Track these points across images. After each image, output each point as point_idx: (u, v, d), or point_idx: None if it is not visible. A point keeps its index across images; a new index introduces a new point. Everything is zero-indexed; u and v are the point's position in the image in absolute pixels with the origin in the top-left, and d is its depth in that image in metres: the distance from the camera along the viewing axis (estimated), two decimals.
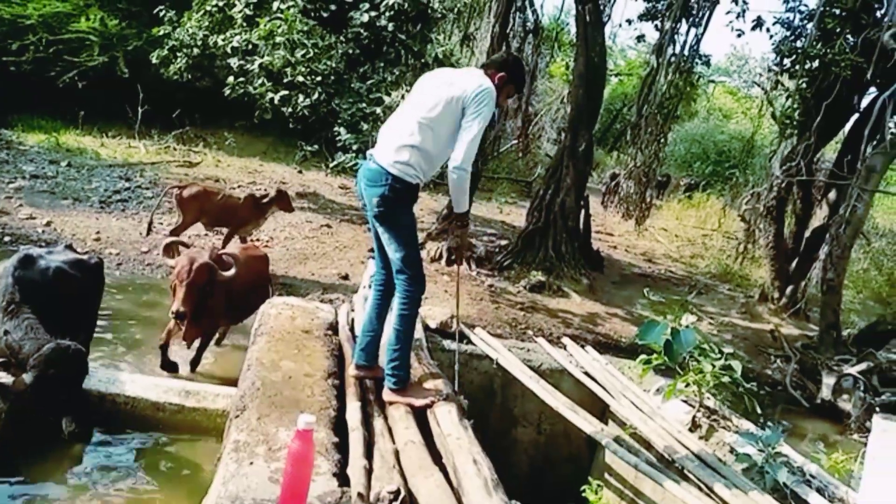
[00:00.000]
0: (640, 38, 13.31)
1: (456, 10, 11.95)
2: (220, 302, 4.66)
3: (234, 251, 5.21)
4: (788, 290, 10.21)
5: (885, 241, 13.68)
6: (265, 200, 7.73)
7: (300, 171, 12.79)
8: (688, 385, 3.83)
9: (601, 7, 10.52)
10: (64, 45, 12.35)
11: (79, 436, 3.48)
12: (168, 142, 12.58)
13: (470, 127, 3.21)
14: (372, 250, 7.88)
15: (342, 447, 2.94)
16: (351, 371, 3.54)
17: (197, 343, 4.90)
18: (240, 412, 3.10)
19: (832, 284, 8.20)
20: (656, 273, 11.27)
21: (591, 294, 9.20)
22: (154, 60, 10.98)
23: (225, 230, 7.81)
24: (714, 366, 3.70)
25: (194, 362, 4.92)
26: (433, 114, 3.27)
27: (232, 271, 4.53)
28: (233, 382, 3.94)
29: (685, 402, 3.98)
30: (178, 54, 10.81)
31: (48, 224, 7.81)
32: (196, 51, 10.55)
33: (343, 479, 2.67)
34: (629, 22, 12.13)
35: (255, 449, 2.77)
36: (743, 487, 3.18)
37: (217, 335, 5.53)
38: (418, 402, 3.29)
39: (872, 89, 9.47)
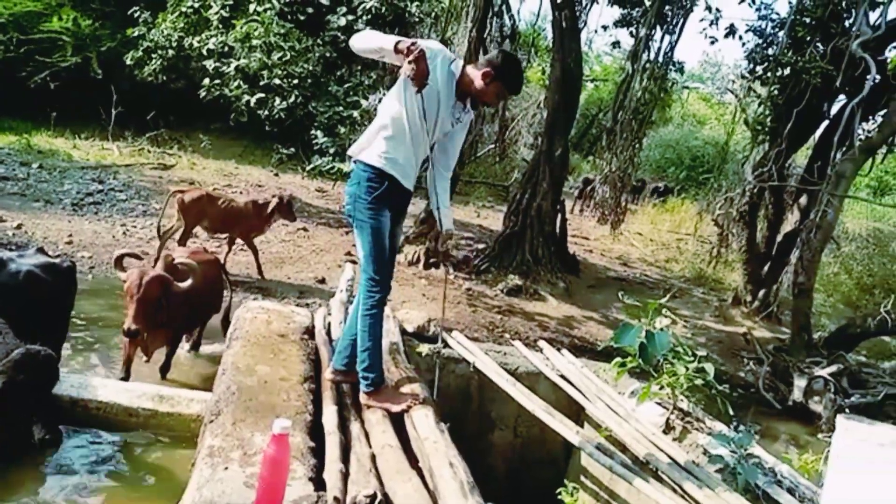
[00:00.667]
0: (616, 44, 13.47)
1: (433, 14, 11.98)
2: (178, 313, 4.50)
3: (185, 258, 4.97)
4: (761, 293, 10.36)
5: (855, 246, 13.94)
6: (268, 208, 7.66)
7: (276, 175, 12.71)
8: (662, 387, 3.86)
9: (577, 13, 10.61)
10: (36, 45, 12.18)
11: (49, 442, 3.43)
12: (142, 144, 12.45)
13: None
14: (349, 254, 7.89)
15: (318, 451, 2.93)
16: (327, 374, 3.53)
17: (164, 351, 4.79)
18: (215, 417, 3.08)
19: (803, 288, 8.34)
20: (632, 277, 11.37)
21: (567, 298, 9.26)
22: (128, 62, 10.85)
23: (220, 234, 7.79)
24: (688, 368, 3.74)
25: (164, 369, 4.81)
26: None
27: (188, 282, 4.36)
28: (207, 387, 3.92)
29: (659, 404, 4.02)
30: (153, 56, 10.70)
31: (19, 227, 7.68)
32: (171, 52, 10.46)
33: (319, 483, 2.66)
34: (605, 28, 12.29)
35: (230, 454, 2.75)
36: (715, 488, 3.23)
37: (192, 339, 5.48)
38: (395, 408, 3.28)
39: (842, 96, 9.66)
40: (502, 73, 3.31)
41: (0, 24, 11.86)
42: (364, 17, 8.40)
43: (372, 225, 3.31)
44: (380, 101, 8.63)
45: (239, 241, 7.83)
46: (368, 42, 3.15)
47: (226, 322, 5.55)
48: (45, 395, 3.50)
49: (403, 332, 4.64)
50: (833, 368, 7.20)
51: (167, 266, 4.52)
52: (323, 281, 7.86)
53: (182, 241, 7.46)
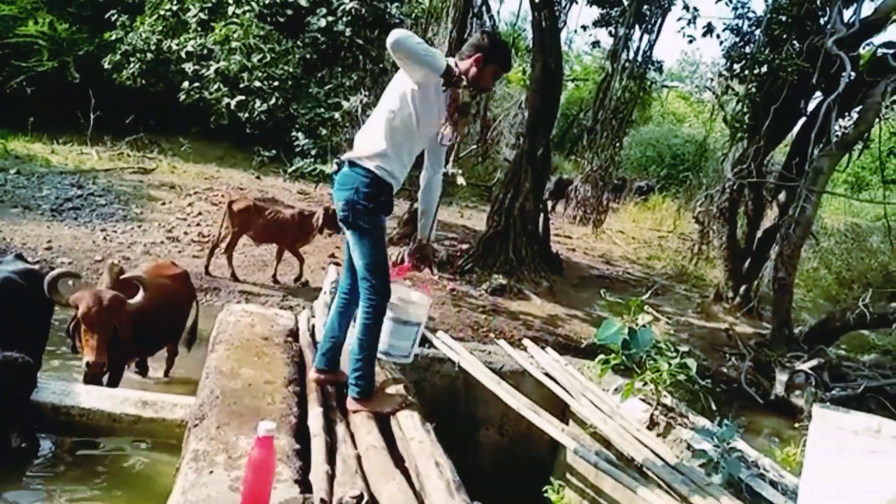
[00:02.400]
0: (596, 43, 13.57)
1: (413, 15, 11.99)
2: (127, 334, 4.07)
3: (143, 271, 4.61)
4: (742, 289, 10.47)
5: (834, 241, 14.11)
6: (315, 220, 7.64)
7: (258, 177, 12.65)
8: (645, 384, 3.90)
9: (557, 13, 10.66)
10: (11, 49, 12.02)
11: (27, 450, 3.39)
12: (121, 148, 12.33)
13: None
14: (332, 256, 7.87)
15: (304, 454, 2.92)
16: (311, 375, 3.52)
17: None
18: (199, 421, 3.06)
19: (783, 283, 8.44)
20: (614, 275, 11.44)
21: (551, 296, 9.30)
22: (106, 65, 10.75)
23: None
24: (670, 364, 3.77)
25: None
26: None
27: (139, 297, 3.99)
28: (191, 392, 3.90)
29: (643, 400, 4.06)
30: (131, 59, 10.60)
31: None
32: (150, 56, 10.36)
33: (305, 485, 2.66)
34: (584, 28, 12.34)
35: (215, 458, 2.74)
36: (699, 483, 3.26)
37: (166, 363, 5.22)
38: (385, 411, 3.28)
39: (818, 93, 9.78)
40: (492, 53, 3.29)
41: None
42: (344, 19, 8.37)
43: (373, 233, 3.27)
44: (361, 102, 8.65)
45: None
46: (417, 49, 2.99)
47: (190, 336, 5.29)
48: (23, 401, 3.47)
49: None
50: (814, 362, 7.30)
51: (115, 282, 4.13)
52: (306, 283, 7.84)
53: (227, 250, 7.60)
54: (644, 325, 3.66)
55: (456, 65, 3.24)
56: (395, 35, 2.97)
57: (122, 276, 4.16)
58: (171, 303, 4.69)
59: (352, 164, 3.26)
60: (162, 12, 9.77)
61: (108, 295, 3.85)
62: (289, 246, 7.81)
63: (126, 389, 4.16)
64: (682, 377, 3.79)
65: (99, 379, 3.98)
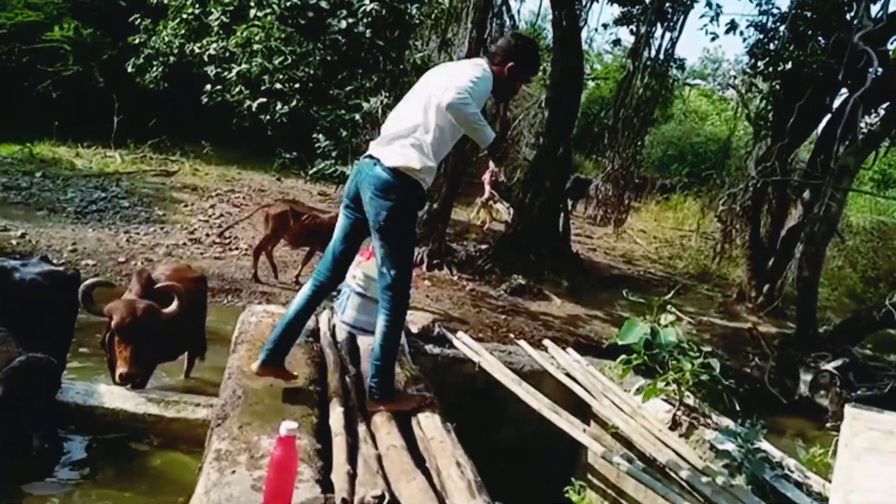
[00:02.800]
0: (616, 42, 13.49)
1: (433, 16, 11.99)
2: (161, 343, 4.06)
3: (164, 275, 4.47)
4: (765, 288, 10.34)
5: (859, 239, 13.90)
6: None
7: (279, 179, 12.73)
8: (667, 384, 3.86)
9: (577, 12, 10.61)
10: (37, 54, 12.22)
11: (50, 449, 3.44)
12: (144, 151, 12.48)
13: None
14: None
15: (325, 453, 2.93)
16: (254, 367, 3.36)
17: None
18: (221, 421, 3.08)
19: (808, 282, 8.32)
20: (636, 274, 11.36)
21: (571, 296, 9.26)
22: (130, 69, 10.89)
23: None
24: (693, 364, 3.73)
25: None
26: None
27: (174, 307, 3.94)
28: (213, 392, 3.93)
29: (665, 400, 4.02)
30: (154, 63, 10.73)
31: (23, 236, 7.71)
32: (172, 59, 10.48)
33: (326, 485, 2.67)
34: (605, 27, 12.33)
35: (237, 457, 2.76)
36: (723, 484, 3.22)
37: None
38: (404, 409, 3.28)
39: (844, 90, 9.64)
40: (525, 61, 3.28)
41: (2, 35, 11.89)
42: (364, 21, 8.40)
43: (412, 240, 3.32)
44: (382, 103, 8.67)
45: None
46: (472, 119, 3.00)
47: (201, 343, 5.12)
48: (47, 402, 3.51)
49: (408, 332, 4.65)
50: (839, 362, 7.18)
51: (144, 288, 4.07)
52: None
53: (258, 251, 7.71)
54: (667, 325, 3.63)
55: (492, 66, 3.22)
56: (462, 104, 2.95)
57: (156, 286, 4.10)
58: (193, 307, 4.63)
59: (403, 172, 3.12)
60: (184, 16, 9.89)
61: (143, 305, 3.82)
62: (322, 249, 7.78)
63: (148, 390, 4.22)
64: (704, 377, 3.75)
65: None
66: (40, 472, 3.46)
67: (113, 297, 4.07)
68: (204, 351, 5.14)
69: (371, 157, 3.21)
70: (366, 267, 3.91)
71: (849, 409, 2.55)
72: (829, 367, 7.06)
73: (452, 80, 3.03)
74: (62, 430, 3.66)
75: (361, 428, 3.13)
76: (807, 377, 7.14)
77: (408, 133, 3.15)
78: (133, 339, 3.73)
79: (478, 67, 3.17)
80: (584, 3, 10.93)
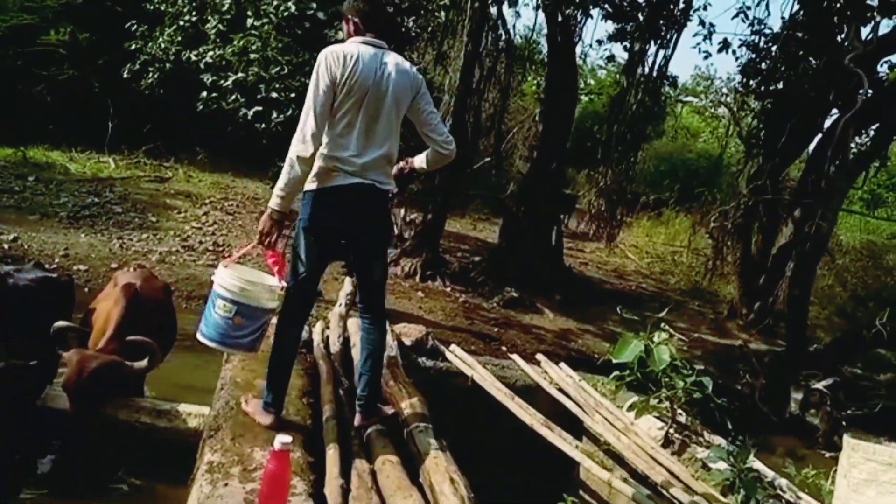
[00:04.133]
0: (611, 58, 13.60)
1: (430, 28, 12.04)
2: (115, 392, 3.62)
3: (137, 281, 4.07)
4: (756, 306, 10.39)
5: (849, 259, 14.00)
6: None
7: (272, 187, 12.71)
8: (660, 401, 3.87)
9: (572, 27, 10.69)
10: (33, 57, 12.16)
11: (34, 456, 3.40)
12: (138, 157, 12.43)
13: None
14: (344, 266, 7.88)
15: (317, 467, 2.93)
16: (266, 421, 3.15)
17: None
18: (213, 432, 3.08)
19: (798, 301, 8.35)
20: (627, 289, 11.40)
21: (563, 310, 9.28)
22: (125, 75, 10.87)
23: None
24: (686, 382, 3.75)
25: None
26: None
27: (144, 363, 3.52)
28: (206, 400, 3.90)
29: (658, 418, 4.03)
30: (150, 69, 10.70)
31: (14, 240, 7.67)
32: (168, 65, 10.46)
33: (319, 498, 2.66)
34: (599, 42, 12.44)
35: (230, 470, 2.75)
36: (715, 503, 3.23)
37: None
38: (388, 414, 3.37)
39: (835, 111, 9.73)
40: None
41: None
42: None
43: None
44: None
45: None
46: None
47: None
48: (29, 408, 3.46)
49: (401, 345, 4.64)
50: (829, 381, 7.21)
51: (128, 306, 3.69)
52: (319, 294, 7.83)
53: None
54: (661, 343, 3.64)
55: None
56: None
57: (128, 338, 3.54)
58: (160, 321, 4.18)
59: (389, 190, 3.22)
60: (181, 23, 9.88)
61: (94, 365, 3.37)
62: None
63: (140, 398, 4.18)
64: (697, 395, 3.77)
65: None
66: (23, 479, 3.43)
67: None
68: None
69: (373, 180, 3.12)
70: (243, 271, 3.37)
71: (847, 440, 2.57)
72: (820, 385, 7.10)
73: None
74: (45, 438, 3.61)
75: (354, 442, 3.13)
76: (797, 396, 7.18)
77: (385, 154, 3.18)
78: (79, 395, 3.36)
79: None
80: (578, 19, 11.00)
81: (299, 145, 2.94)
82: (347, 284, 5.56)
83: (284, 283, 3.12)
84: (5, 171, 10.07)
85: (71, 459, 3.47)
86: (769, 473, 3.52)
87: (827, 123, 10.03)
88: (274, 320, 3.23)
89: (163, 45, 10.22)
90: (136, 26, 10.67)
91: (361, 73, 3.00)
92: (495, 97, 14.38)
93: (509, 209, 11.09)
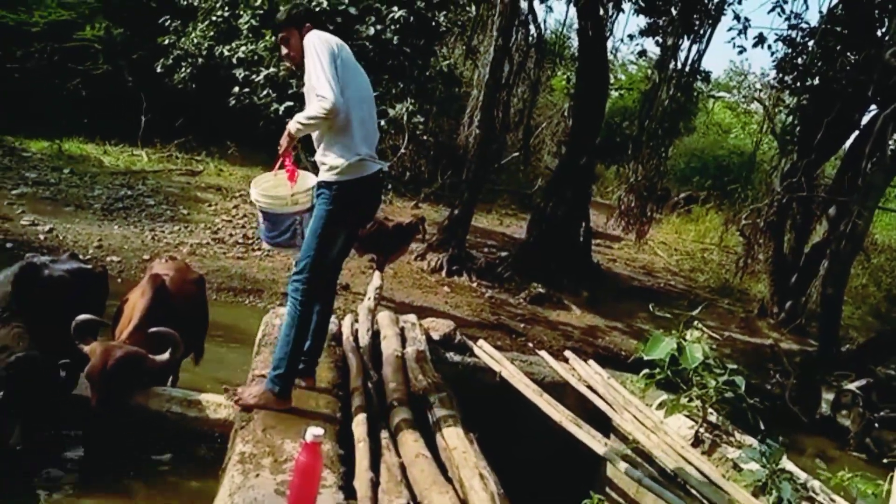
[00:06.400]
0: (642, 53, 13.43)
1: (460, 23, 12.02)
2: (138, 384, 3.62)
3: (170, 272, 4.19)
4: (787, 305, 10.23)
5: (885, 258, 13.71)
6: (410, 230, 7.73)
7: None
8: (691, 400, 3.83)
9: (603, 22, 10.59)
10: (68, 52, 12.38)
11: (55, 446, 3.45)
12: (170, 150, 12.60)
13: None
14: (372, 260, 7.92)
15: (347, 459, 2.95)
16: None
17: None
18: (245, 423, 3.11)
19: (832, 300, 8.22)
20: (656, 286, 11.29)
21: (591, 307, 9.22)
22: (159, 70, 11.01)
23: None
24: (718, 381, 3.71)
25: None
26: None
27: (167, 355, 3.53)
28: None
29: (688, 417, 3.99)
30: (183, 63, 10.81)
31: (50, 231, 7.82)
32: (201, 60, 10.56)
33: (349, 491, 2.68)
34: (631, 38, 12.29)
35: (261, 461, 2.78)
36: None
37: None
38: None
39: (873, 107, 9.53)
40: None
41: (35, 32, 12.07)
42: (392, 27, 8.43)
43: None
44: (407, 110, 8.70)
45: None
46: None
47: (198, 349, 4.55)
48: (48, 400, 3.46)
49: (429, 339, 4.65)
50: (862, 382, 7.09)
51: (154, 297, 3.74)
52: (347, 287, 7.87)
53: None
54: (694, 341, 3.60)
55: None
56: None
57: (150, 330, 3.55)
58: (192, 312, 4.27)
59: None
60: (214, 18, 9.94)
61: (118, 355, 3.39)
62: (387, 256, 7.70)
63: (171, 388, 4.23)
64: (729, 395, 3.72)
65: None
66: (69, 468, 3.50)
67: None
68: (201, 356, 4.68)
69: (380, 163, 3.43)
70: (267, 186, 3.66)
71: None
72: (852, 386, 6.98)
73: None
74: (71, 428, 3.65)
75: (384, 434, 3.14)
76: (829, 396, 7.06)
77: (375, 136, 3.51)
78: (104, 388, 3.36)
79: None
80: (610, 13, 10.90)
81: (327, 104, 3.10)
82: (376, 278, 5.59)
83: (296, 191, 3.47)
84: (42, 164, 10.27)
85: (95, 448, 3.52)
86: (802, 475, 3.46)
87: (865, 120, 9.85)
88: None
89: (195, 41, 10.31)
90: (169, 22, 10.78)
91: (348, 55, 3.36)
92: (524, 92, 14.34)
93: (537, 204, 11.05)
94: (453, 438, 3.07)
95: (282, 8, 3.65)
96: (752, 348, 8.97)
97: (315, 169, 3.46)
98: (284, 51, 3.48)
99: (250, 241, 8.86)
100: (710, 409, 3.86)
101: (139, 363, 3.45)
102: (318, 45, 3.21)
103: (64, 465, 3.60)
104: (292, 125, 3.28)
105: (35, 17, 12.09)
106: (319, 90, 3.10)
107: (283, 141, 3.36)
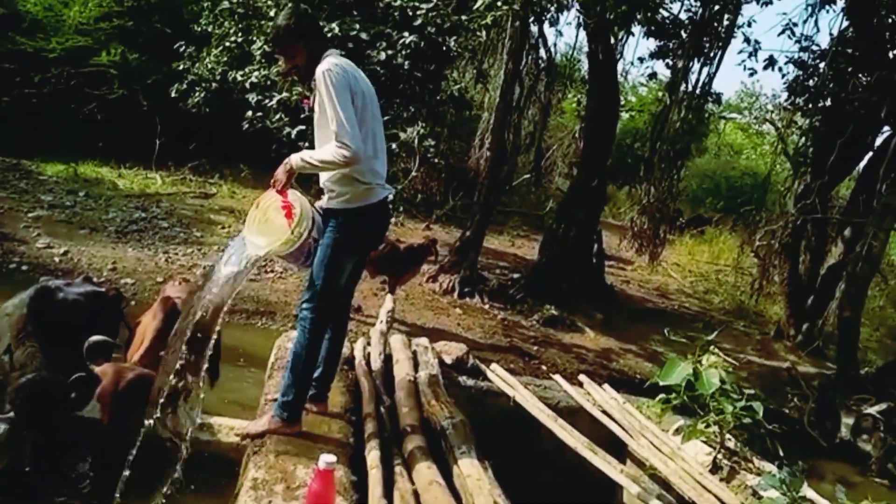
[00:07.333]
0: (653, 75, 13.45)
1: (471, 48, 12.10)
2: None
3: (182, 295, 4.21)
4: (804, 327, 10.11)
5: None
6: (422, 251, 7.73)
7: (313, 204, 12.84)
8: (708, 426, 3.78)
9: (613, 45, 10.63)
10: (85, 77, 12.58)
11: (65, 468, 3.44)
12: (184, 173, 12.71)
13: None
14: (384, 282, 7.91)
15: (360, 486, 2.91)
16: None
17: None
18: (258, 448, 3.09)
19: (849, 322, 8.12)
20: (670, 308, 11.20)
21: (604, 329, 9.14)
22: (173, 94, 11.15)
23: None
24: (735, 406, 3.65)
25: None
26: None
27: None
28: (248, 415, 3.92)
29: (705, 443, 3.92)
30: (197, 88, 10.94)
31: (65, 253, 7.87)
32: (214, 85, 10.68)
33: None
34: (641, 60, 12.30)
35: (274, 487, 2.76)
36: None
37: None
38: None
39: (886, 128, 9.49)
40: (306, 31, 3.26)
41: (53, 58, 12.28)
42: (403, 52, 8.50)
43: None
44: (418, 133, 8.74)
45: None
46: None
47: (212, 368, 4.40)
48: (58, 421, 3.43)
49: (442, 363, 4.62)
50: (882, 406, 6.96)
51: (165, 319, 3.77)
52: (359, 309, 7.84)
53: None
54: (711, 366, 3.55)
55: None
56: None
57: (161, 353, 3.56)
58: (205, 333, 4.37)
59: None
60: (227, 44, 10.07)
61: (130, 377, 3.41)
62: (399, 278, 7.64)
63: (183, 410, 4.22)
64: (747, 420, 3.67)
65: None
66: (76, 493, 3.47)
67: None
68: (216, 379, 4.61)
69: (389, 189, 3.41)
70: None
71: None
72: (872, 410, 6.85)
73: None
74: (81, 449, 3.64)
75: (397, 461, 3.11)
76: (848, 420, 6.93)
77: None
78: (115, 410, 3.37)
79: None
80: (620, 36, 10.94)
81: (349, 153, 3.02)
82: (389, 301, 5.57)
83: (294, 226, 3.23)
84: (58, 187, 10.37)
85: (105, 470, 3.50)
86: (823, 503, 3.39)
87: (878, 141, 9.80)
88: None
89: (209, 66, 10.44)
90: (184, 47, 10.93)
91: (364, 81, 3.25)
92: (535, 115, 14.40)
93: (549, 226, 11.02)
94: (467, 465, 3.03)
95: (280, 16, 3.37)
96: (769, 371, 8.85)
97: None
98: (290, 64, 3.30)
99: (262, 263, 8.88)
100: (727, 435, 3.80)
101: (150, 385, 3.42)
102: (336, 81, 3.05)
103: (73, 487, 3.58)
104: (297, 161, 3.18)
105: (52, 44, 12.30)
106: (341, 136, 3.00)
107: (282, 175, 3.23)
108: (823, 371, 9.03)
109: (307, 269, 3.40)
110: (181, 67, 10.75)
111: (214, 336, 4.01)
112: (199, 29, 10.62)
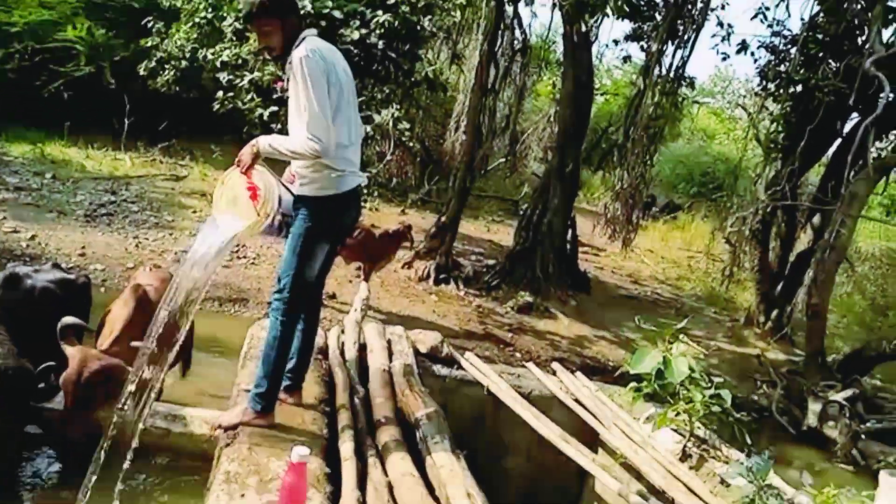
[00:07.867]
0: (627, 58, 13.43)
1: (445, 28, 12.00)
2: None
3: (153, 283, 4.14)
4: (774, 314, 10.27)
5: (868, 266, 13.83)
6: (398, 237, 7.69)
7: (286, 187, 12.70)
8: (678, 414, 3.82)
9: (588, 27, 10.60)
10: (50, 53, 12.21)
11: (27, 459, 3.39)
12: (154, 154, 12.46)
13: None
14: (359, 268, 7.87)
15: (333, 478, 2.91)
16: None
17: None
18: (230, 441, 3.06)
19: (817, 309, 8.25)
20: (642, 295, 11.31)
21: (578, 316, 9.21)
22: (141, 72, 10.90)
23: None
24: (704, 395, 3.70)
25: None
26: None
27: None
28: (220, 405, 3.89)
29: (675, 431, 3.98)
30: (166, 66, 10.72)
31: (32, 238, 7.70)
32: (184, 63, 10.47)
33: None
34: (616, 42, 12.29)
35: (247, 480, 2.74)
36: None
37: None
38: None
39: (855, 115, 9.61)
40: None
41: (15, 33, 11.89)
42: (377, 32, 8.40)
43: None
44: (392, 115, 8.67)
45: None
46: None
47: (185, 357, 4.52)
48: (19, 412, 3.39)
49: (416, 352, 4.61)
50: (848, 393, 7.11)
51: (137, 308, 3.71)
52: (333, 296, 7.80)
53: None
54: (680, 355, 3.59)
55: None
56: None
57: (132, 343, 3.47)
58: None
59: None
60: (197, 20, 9.85)
61: (94, 367, 3.31)
62: (373, 264, 7.61)
63: (156, 402, 4.16)
64: (716, 408, 3.72)
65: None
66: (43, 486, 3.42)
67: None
68: (187, 368, 4.69)
69: (362, 175, 3.40)
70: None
71: (884, 477, 2.50)
72: (839, 397, 6.99)
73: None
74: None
75: (371, 452, 3.10)
76: (815, 407, 7.06)
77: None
78: (77, 398, 3.29)
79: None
80: (595, 18, 10.90)
81: (319, 147, 2.98)
82: (363, 290, 5.54)
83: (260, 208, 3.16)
84: (24, 168, 10.12)
85: (70, 462, 3.45)
86: (789, 490, 3.46)
87: (847, 128, 9.92)
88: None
89: (178, 43, 10.23)
90: (152, 23, 10.68)
91: (342, 67, 3.18)
92: (510, 97, 14.34)
93: (524, 211, 11.03)
94: (441, 456, 3.04)
95: None
96: (739, 358, 9.00)
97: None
98: (263, 42, 3.21)
99: (234, 249, 8.77)
100: (697, 423, 3.85)
101: (116, 375, 3.35)
102: (312, 70, 2.97)
103: (39, 479, 3.54)
104: (265, 145, 3.10)
105: (14, 17, 11.91)
106: (312, 129, 2.95)
107: (247, 157, 3.13)
108: (792, 358, 9.21)
109: (286, 240, 3.34)
110: (149, 44, 10.51)
111: (187, 325, 4.03)
112: (168, 4, 10.36)
